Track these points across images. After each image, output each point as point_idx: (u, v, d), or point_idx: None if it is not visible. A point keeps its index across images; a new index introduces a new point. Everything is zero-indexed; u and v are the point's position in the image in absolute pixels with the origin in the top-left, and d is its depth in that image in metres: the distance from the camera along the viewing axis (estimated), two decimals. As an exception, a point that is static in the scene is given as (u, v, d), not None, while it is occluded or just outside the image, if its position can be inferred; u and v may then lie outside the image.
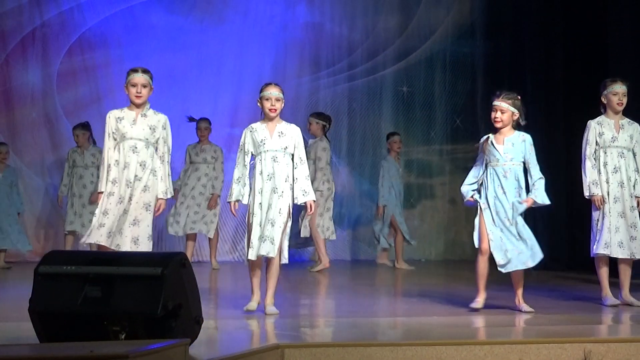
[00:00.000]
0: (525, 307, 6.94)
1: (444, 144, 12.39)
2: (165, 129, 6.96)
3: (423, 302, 7.96)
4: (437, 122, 12.62)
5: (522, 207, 6.92)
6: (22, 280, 8.28)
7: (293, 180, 6.79)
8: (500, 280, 7.22)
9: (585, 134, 7.41)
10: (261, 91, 6.80)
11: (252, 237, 6.67)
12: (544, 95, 10.98)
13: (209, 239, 10.74)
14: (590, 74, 10.42)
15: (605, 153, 7.37)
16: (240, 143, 6.83)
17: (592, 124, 7.40)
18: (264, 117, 6.81)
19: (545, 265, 10.44)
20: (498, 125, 6.95)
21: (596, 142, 7.36)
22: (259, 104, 6.81)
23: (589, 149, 7.39)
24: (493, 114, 6.93)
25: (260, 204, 6.69)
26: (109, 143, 6.89)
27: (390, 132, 11.42)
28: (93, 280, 4.69)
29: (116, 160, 6.84)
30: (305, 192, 6.79)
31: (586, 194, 7.37)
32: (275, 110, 6.78)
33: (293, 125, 6.88)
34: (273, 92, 6.78)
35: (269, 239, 6.59)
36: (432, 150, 12.72)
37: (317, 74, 12.47)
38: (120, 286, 4.66)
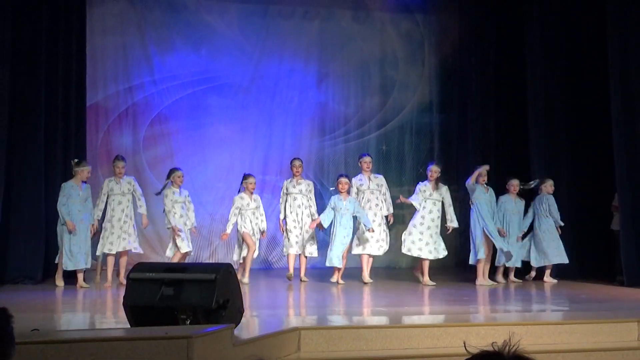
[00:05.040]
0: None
1: (411, 185, 12.24)
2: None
3: (399, 297, 7.95)
4: (406, 170, 12.61)
5: None
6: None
7: None
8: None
9: None
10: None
11: None
12: (481, 152, 11.08)
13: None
14: (513, 136, 10.51)
15: None
16: None
17: None
18: None
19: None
20: None
21: None
22: None
23: None
24: None
25: None
26: None
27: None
28: (167, 283, 4.74)
29: None
30: None
31: None
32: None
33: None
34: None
35: None
36: (403, 190, 12.63)
37: (323, 138, 12.48)
38: (187, 287, 4.69)
